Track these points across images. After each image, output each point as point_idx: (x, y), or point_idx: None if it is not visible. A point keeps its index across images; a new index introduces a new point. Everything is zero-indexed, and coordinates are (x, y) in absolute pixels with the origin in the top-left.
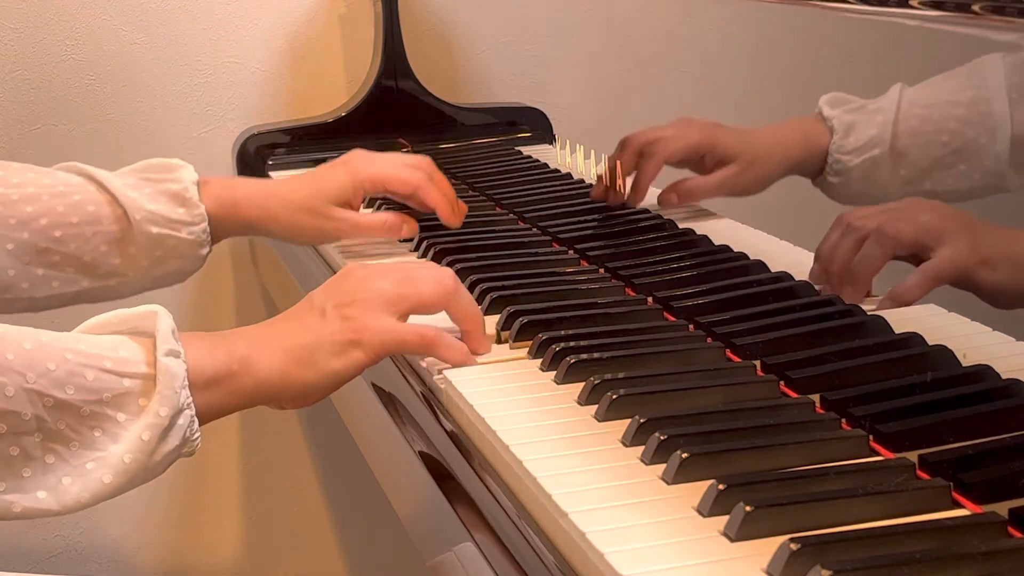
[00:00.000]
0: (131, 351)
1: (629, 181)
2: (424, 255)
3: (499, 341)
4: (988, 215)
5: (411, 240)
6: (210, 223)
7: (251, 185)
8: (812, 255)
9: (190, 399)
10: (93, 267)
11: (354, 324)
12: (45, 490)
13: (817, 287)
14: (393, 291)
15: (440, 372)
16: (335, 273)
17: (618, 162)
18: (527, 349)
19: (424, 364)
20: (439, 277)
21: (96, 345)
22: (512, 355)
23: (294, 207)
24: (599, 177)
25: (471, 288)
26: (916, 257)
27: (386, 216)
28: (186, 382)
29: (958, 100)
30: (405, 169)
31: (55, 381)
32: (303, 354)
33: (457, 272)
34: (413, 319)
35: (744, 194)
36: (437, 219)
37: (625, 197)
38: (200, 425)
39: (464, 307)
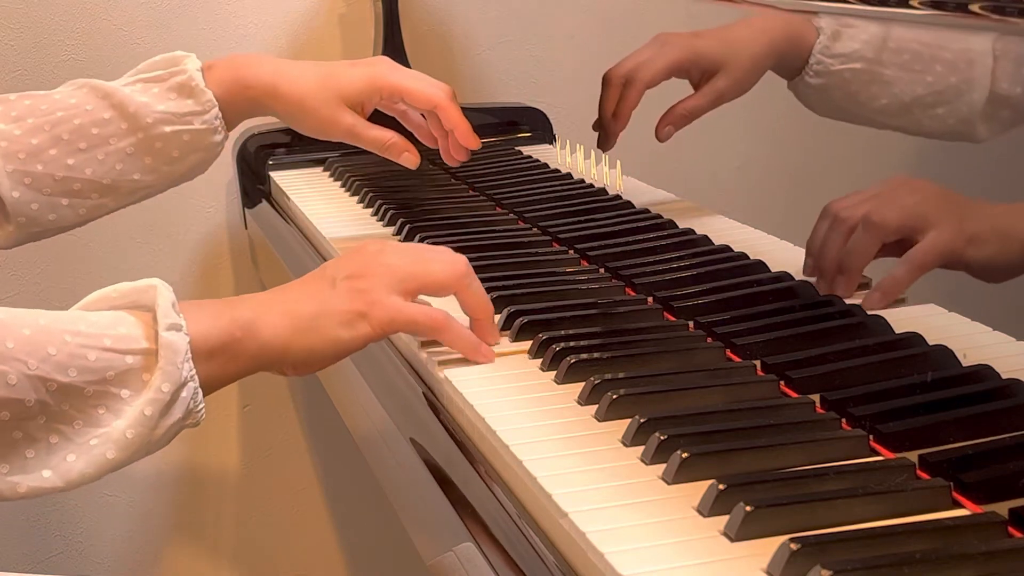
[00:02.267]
0: (131, 327)
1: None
2: None
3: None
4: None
5: (412, 239)
6: (220, 107)
7: (259, 64)
8: None
9: (193, 372)
10: (115, 188)
11: (364, 297)
12: (49, 469)
13: (812, 280)
14: (405, 269)
15: (441, 371)
16: None
17: (606, 99)
18: (527, 349)
19: (425, 364)
20: (453, 260)
21: (95, 324)
22: (512, 355)
23: (301, 92)
24: (596, 121)
25: None
26: (906, 241)
27: (393, 135)
28: (188, 355)
29: (947, 44)
30: (429, 85)
31: (57, 365)
32: (309, 321)
33: None
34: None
35: (737, 96)
36: (438, 218)
37: (609, 125)
38: (206, 394)
39: (475, 294)
